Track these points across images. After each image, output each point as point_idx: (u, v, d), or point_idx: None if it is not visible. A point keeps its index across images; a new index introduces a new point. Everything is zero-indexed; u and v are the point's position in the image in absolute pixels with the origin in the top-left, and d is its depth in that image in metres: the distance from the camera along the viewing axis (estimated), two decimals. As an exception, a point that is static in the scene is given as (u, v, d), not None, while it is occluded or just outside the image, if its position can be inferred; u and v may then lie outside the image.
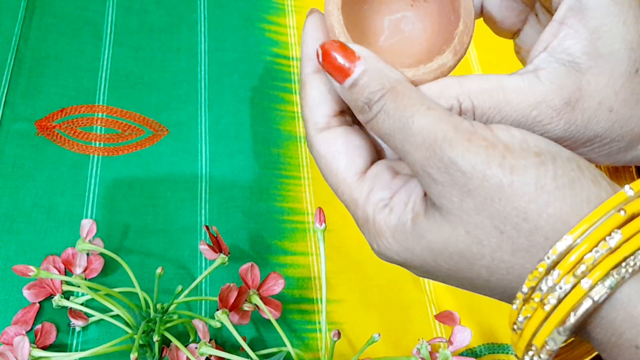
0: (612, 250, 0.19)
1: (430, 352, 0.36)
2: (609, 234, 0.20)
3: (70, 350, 0.35)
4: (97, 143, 0.43)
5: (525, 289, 0.20)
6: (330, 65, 0.23)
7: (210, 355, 0.33)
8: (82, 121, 0.44)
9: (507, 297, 0.22)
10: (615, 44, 0.23)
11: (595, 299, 0.19)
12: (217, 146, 0.44)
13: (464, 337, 0.37)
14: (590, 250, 0.20)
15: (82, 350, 0.34)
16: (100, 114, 0.44)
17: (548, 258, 0.20)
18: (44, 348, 0.35)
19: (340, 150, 0.25)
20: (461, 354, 0.39)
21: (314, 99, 0.25)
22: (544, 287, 0.20)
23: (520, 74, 0.24)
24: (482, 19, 0.29)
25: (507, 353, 0.41)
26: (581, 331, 0.21)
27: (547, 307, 0.20)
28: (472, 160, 0.21)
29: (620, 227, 0.20)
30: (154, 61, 0.48)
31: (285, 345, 0.35)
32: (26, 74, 0.45)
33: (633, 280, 0.19)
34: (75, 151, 0.42)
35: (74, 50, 0.47)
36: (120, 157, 0.43)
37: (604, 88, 0.24)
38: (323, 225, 0.34)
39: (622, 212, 0.20)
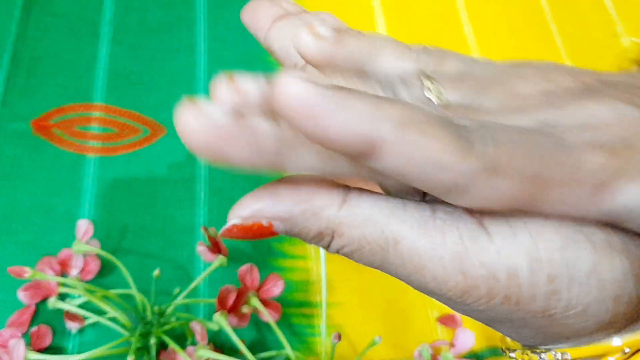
0: None
1: (432, 355, 0.36)
2: None
3: (67, 353, 0.35)
4: (95, 142, 0.43)
5: None
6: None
7: (208, 358, 0.33)
8: (80, 120, 0.43)
9: None
10: None
11: None
12: (216, 146, 0.44)
13: (466, 340, 0.37)
14: None
15: (78, 353, 0.34)
16: (97, 113, 0.44)
17: None
18: (40, 351, 0.34)
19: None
20: (464, 357, 0.39)
21: None
22: None
23: None
24: None
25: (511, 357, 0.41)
26: None
27: None
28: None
29: None
30: (152, 60, 0.47)
31: (284, 348, 0.35)
32: (24, 73, 0.44)
33: None
34: (72, 151, 0.42)
35: (71, 49, 0.46)
36: (118, 156, 0.42)
37: None
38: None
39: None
